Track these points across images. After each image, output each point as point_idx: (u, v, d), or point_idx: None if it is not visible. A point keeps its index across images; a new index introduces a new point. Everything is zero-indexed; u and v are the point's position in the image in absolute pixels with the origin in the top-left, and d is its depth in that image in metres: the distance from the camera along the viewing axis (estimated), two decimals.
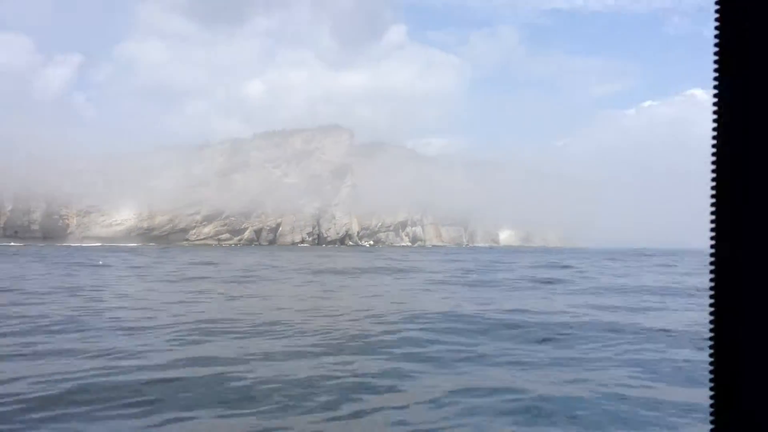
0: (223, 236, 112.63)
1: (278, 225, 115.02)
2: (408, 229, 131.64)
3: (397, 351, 10.54)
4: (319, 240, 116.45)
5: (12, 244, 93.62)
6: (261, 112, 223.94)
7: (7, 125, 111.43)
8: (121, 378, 8.50)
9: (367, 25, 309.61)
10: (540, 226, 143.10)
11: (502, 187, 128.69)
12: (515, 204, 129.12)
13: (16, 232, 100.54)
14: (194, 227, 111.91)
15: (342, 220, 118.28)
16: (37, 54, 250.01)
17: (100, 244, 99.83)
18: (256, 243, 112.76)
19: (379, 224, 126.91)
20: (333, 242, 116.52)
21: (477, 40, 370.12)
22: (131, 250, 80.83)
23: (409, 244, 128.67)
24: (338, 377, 8.67)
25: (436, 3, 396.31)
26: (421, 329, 14.02)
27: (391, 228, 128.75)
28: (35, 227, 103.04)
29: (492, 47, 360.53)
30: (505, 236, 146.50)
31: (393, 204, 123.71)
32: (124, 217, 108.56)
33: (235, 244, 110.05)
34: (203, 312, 18.69)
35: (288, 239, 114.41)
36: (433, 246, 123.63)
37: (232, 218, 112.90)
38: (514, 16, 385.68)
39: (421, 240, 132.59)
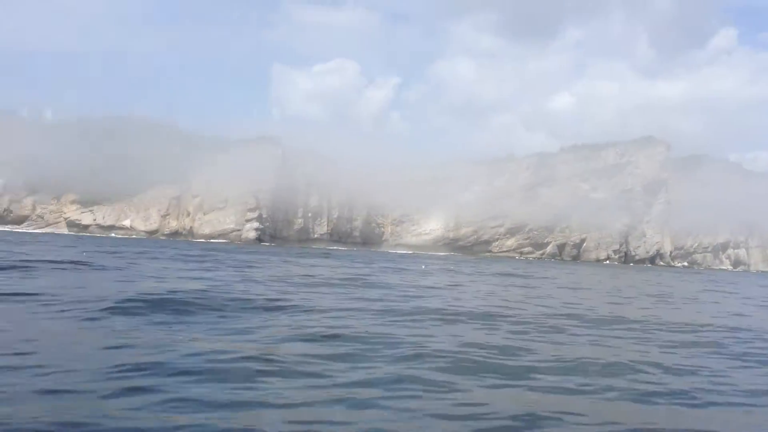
0: (525, 249, 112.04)
1: (582, 240, 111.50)
2: (729, 251, 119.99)
3: None
4: (626, 258, 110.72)
5: (336, 248, 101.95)
6: (568, 126, 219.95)
7: (336, 141, 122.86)
8: None
9: (690, 30, 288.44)
10: None
11: None
12: None
13: (340, 237, 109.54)
14: (497, 239, 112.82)
15: (653, 239, 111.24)
16: (361, 77, 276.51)
17: (411, 251, 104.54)
18: (559, 258, 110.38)
19: (696, 245, 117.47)
20: (641, 261, 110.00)
21: None
22: (444, 258, 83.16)
23: (730, 267, 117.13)
24: None
25: None
26: None
27: (709, 249, 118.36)
28: (356, 234, 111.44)
29: None
30: None
31: (712, 223, 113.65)
32: (432, 227, 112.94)
33: (537, 258, 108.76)
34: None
35: (592, 255, 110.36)
36: (759, 271, 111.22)
37: (535, 232, 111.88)
38: None
39: (744, 264, 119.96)
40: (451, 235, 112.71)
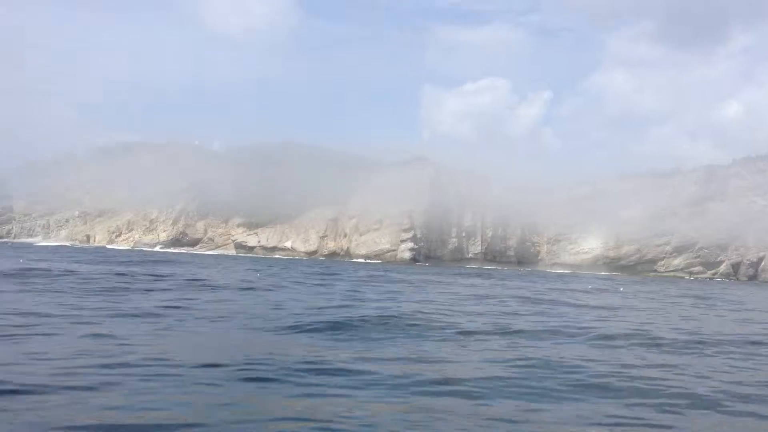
0: (695, 269, 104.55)
1: (761, 259, 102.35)
2: None
3: None
4: None
5: (492, 267, 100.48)
6: (739, 136, 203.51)
7: (488, 159, 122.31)
8: None
9: None
10: None
11: None
12: None
13: (494, 256, 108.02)
14: (663, 258, 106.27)
15: None
16: (512, 94, 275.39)
17: (569, 271, 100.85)
18: (734, 278, 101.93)
19: None
20: None
21: None
22: (607, 278, 79.49)
23: None
24: None
25: None
26: None
27: None
28: (510, 253, 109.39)
29: None
30: None
31: None
32: (591, 245, 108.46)
33: (709, 278, 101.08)
34: None
35: None
36: None
37: (706, 250, 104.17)
38: None
39: None
40: (611, 253, 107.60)
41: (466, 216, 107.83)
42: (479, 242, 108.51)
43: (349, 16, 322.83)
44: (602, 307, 26.47)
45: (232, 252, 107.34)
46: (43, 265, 33.06)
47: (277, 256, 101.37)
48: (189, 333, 13.98)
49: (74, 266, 34.02)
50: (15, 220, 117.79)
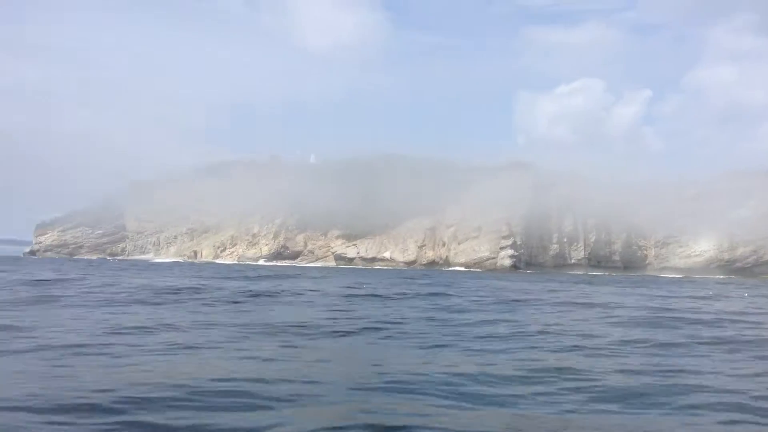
0: None
1: None
2: None
3: None
4: None
5: (597, 273, 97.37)
6: None
7: (586, 161, 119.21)
8: None
9: None
10: None
11: None
12: None
13: (599, 261, 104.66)
14: None
15: None
16: (608, 94, 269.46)
17: (680, 275, 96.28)
18: None
19: None
20: None
21: None
22: (725, 282, 75.75)
23: None
24: None
25: None
26: None
27: None
28: (616, 257, 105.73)
29: None
30: None
31: None
32: (702, 248, 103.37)
33: None
34: None
35: None
36: None
37: None
38: None
39: None
40: (725, 256, 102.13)
41: (567, 221, 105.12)
42: (582, 247, 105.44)
43: (439, 26, 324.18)
44: (734, 314, 24.87)
45: (332, 264, 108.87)
46: (171, 282, 34.33)
47: (377, 267, 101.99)
48: (321, 349, 13.96)
49: (197, 282, 35.15)
50: (128, 238, 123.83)
